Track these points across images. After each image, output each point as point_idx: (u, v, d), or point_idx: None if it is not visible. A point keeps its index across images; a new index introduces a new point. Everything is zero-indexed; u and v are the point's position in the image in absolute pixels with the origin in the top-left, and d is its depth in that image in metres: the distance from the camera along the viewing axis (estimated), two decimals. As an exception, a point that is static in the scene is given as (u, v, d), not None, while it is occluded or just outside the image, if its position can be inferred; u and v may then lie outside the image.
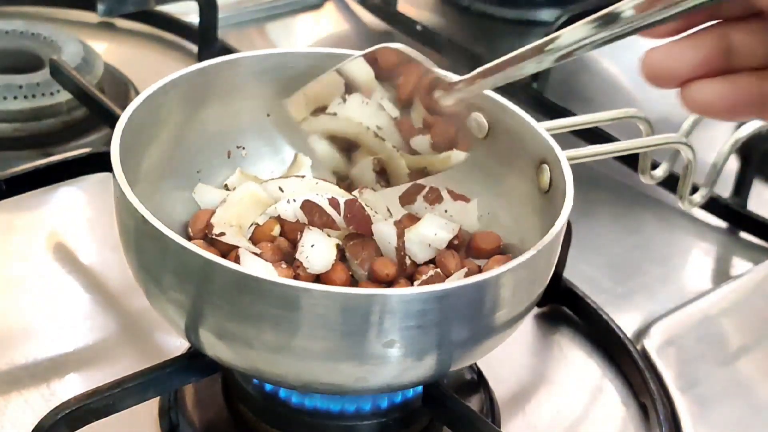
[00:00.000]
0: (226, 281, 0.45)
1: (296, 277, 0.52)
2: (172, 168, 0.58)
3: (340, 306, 0.44)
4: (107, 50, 0.88)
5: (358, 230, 0.55)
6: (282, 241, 0.55)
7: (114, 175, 0.49)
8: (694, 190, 0.69)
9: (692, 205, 0.67)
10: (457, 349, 0.48)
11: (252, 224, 0.57)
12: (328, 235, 0.55)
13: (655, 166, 0.68)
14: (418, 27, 0.99)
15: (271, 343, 0.46)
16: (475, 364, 0.61)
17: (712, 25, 0.42)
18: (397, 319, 0.45)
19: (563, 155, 0.54)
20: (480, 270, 0.56)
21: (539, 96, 0.90)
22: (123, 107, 0.55)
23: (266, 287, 0.44)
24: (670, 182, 0.71)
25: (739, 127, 0.94)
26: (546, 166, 0.55)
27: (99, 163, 0.68)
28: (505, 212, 0.59)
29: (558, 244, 0.51)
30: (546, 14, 1.04)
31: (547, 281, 0.52)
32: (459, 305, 0.46)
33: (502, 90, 0.94)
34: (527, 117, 0.57)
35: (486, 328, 0.49)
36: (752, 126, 0.67)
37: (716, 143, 0.70)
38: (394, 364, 0.46)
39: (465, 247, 0.58)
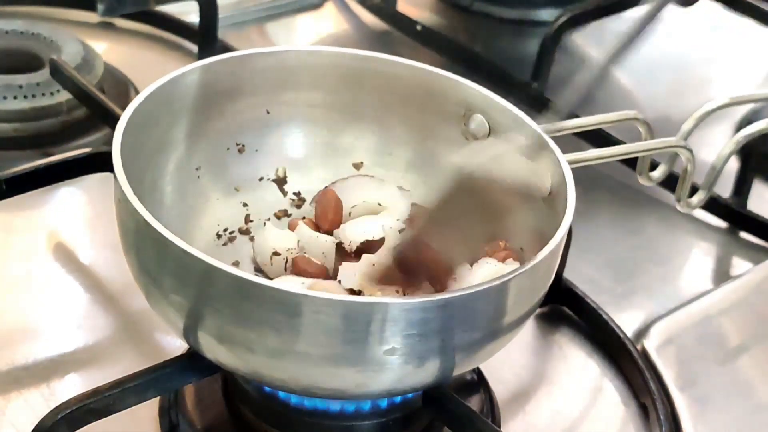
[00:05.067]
0: (226, 286, 0.45)
1: None
2: (171, 165, 0.58)
3: (341, 313, 0.44)
4: (107, 50, 0.88)
5: None
6: None
7: (115, 176, 0.49)
8: (694, 190, 0.69)
9: (690, 208, 0.67)
10: (458, 356, 0.48)
11: None
12: None
13: (654, 166, 0.68)
14: (418, 27, 0.99)
15: (271, 349, 0.46)
16: (475, 364, 0.61)
17: None
18: (398, 327, 0.45)
19: (564, 159, 0.54)
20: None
21: (539, 95, 0.90)
22: (123, 107, 0.55)
23: (267, 293, 0.44)
24: (671, 182, 0.71)
25: (738, 129, 0.95)
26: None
27: (99, 163, 0.68)
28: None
29: (559, 253, 0.51)
30: (546, 14, 1.04)
31: (548, 287, 0.52)
32: (459, 314, 0.46)
33: (502, 89, 0.94)
34: (528, 120, 0.57)
35: (487, 335, 0.49)
36: (752, 128, 0.67)
37: (717, 143, 0.70)
38: (395, 371, 0.46)
39: None
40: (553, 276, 0.52)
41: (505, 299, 0.48)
